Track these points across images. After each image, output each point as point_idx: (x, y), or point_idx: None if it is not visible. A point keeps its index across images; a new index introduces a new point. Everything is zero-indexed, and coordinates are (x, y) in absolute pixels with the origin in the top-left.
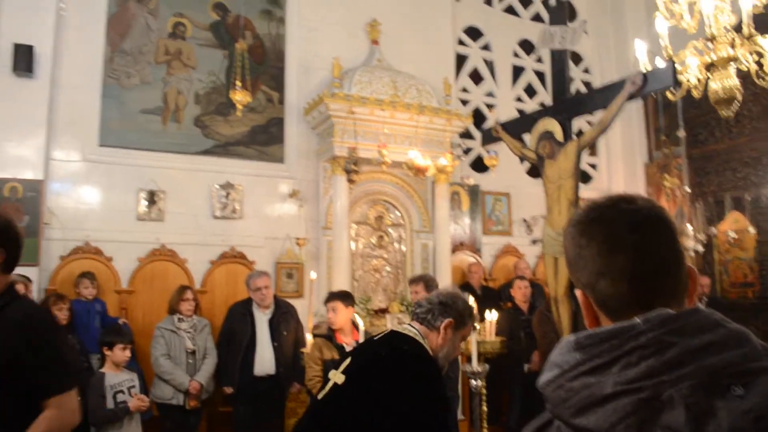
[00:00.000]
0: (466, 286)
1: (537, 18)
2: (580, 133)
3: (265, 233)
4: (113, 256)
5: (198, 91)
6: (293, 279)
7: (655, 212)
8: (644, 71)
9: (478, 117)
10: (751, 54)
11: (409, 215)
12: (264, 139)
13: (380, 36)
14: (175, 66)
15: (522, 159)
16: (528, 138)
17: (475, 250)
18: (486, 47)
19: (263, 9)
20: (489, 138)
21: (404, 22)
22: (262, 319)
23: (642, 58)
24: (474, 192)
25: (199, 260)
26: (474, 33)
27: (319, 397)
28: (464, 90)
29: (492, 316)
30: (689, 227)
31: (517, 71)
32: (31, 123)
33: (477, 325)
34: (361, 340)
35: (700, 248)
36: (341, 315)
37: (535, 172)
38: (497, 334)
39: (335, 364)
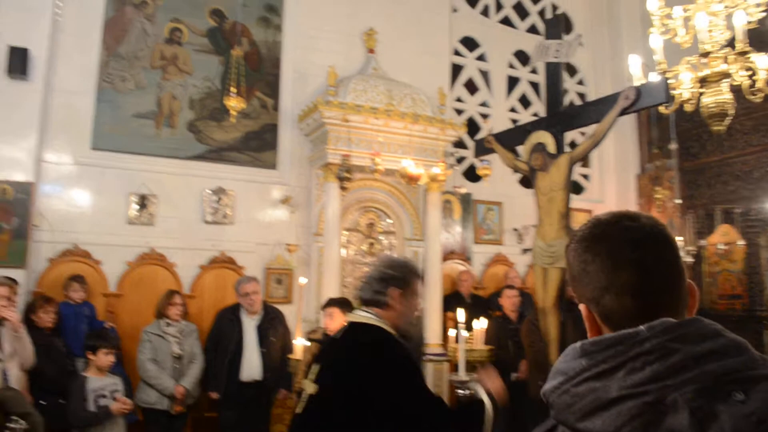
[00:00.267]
0: (455, 295)
1: (533, 30)
2: (572, 146)
3: (255, 239)
4: (102, 259)
5: (192, 96)
6: (283, 285)
7: (657, 230)
8: (638, 86)
9: (472, 127)
10: (743, 70)
11: (400, 223)
12: (257, 145)
13: (377, 45)
14: (170, 71)
15: (514, 170)
16: (521, 149)
17: (466, 258)
18: (481, 57)
19: (260, 16)
20: (482, 149)
21: (401, 32)
22: (250, 325)
23: (636, 72)
24: (466, 201)
25: (189, 265)
26: (470, 43)
27: (298, 410)
28: (459, 100)
29: (481, 324)
30: (680, 239)
31: (512, 82)
32: (23, 125)
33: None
34: None
35: (690, 260)
36: (337, 321)
37: (527, 182)
38: (486, 342)
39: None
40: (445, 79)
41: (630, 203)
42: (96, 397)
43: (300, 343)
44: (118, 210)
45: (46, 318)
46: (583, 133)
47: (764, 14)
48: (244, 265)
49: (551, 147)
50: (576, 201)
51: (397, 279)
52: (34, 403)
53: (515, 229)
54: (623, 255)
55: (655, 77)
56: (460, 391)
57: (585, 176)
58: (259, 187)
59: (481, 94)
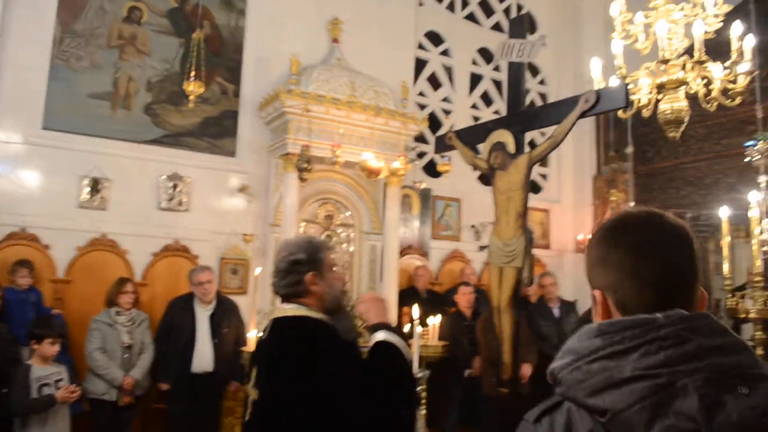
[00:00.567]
0: (411, 290)
1: (497, 27)
2: (532, 145)
3: (211, 227)
4: (51, 243)
5: (150, 78)
6: (238, 275)
7: (684, 230)
8: (598, 89)
9: (434, 122)
10: (700, 78)
11: (359, 216)
12: (216, 132)
13: (341, 35)
14: (128, 51)
15: (474, 168)
16: (481, 147)
17: (423, 253)
18: (446, 53)
19: None
20: (442, 145)
21: (366, 23)
22: (203, 315)
23: (597, 76)
24: (425, 196)
25: (141, 252)
26: (435, 38)
27: (247, 417)
28: (421, 94)
29: (435, 320)
30: None
31: (475, 79)
32: None
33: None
34: None
35: None
36: None
37: (486, 179)
38: (440, 338)
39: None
40: (409, 73)
41: (586, 204)
42: (39, 386)
43: (254, 336)
44: (68, 193)
45: None
46: (543, 133)
47: (721, 25)
48: (199, 254)
49: (511, 146)
50: (533, 200)
51: (306, 262)
52: None
53: (473, 226)
54: (650, 248)
55: (615, 81)
56: None
57: (543, 176)
58: (217, 174)
59: (444, 89)
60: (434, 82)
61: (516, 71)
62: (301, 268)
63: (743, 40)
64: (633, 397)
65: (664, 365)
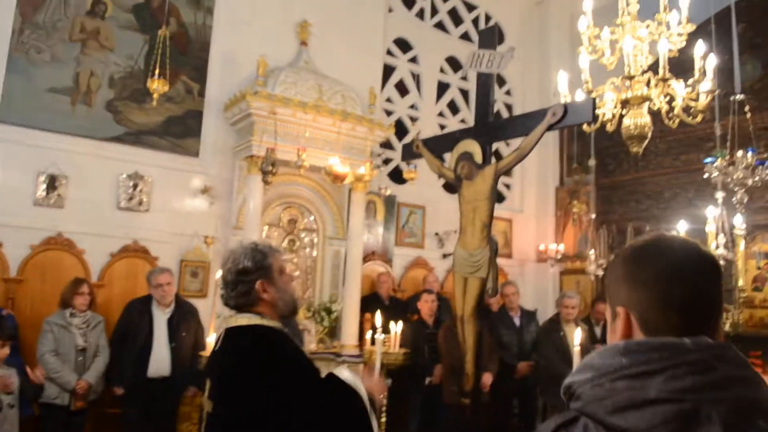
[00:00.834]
0: (374, 296)
1: (465, 37)
2: (498, 157)
3: (171, 228)
4: (3, 241)
5: (113, 74)
6: (198, 278)
7: (716, 259)
8: (565, 103)
9: (400, 128)
10: (663, 95)
11: (323, 221)
12: (179, 131)
13: (310, 38)
14: (90, 46)
15: (440, 177)
16: (448, 156)
17: (387, 260)
18: (414, 60)
19: None
20: (409, 153)
21: (335, 27)
22: (160, 318)
23: (563, 89)
24: (390, 202)
25: (99, 252)
26: (403, 45)
27: (203, 430)
28: (389, 100)
29: (397, 327)
30: (592, 252)
31: (442, 87)
32: None
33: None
34: None
35: (600, 273)
36: None
37: (451, 187)
38: (401, 345)
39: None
40: (377, 79)
41: (548, 214)
42: None
43: (213, 340)
44: (24, 189)
45: None
46: (507, 144)
47: (685, 44)
48: (158, 256)
49: (478, 157)
50: (497, 209)
51: (254, 270)
52: None
53: (437, 234)
54: (683, 271)
55: (580, 95)
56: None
57: (507, 185)
58: (179, 174)
59: (412, 96)
60: (402, 89)
61: (485, 82)
62: (250, 277)
63: (706, 59)
64: (656, 418)
65: (691, 391)
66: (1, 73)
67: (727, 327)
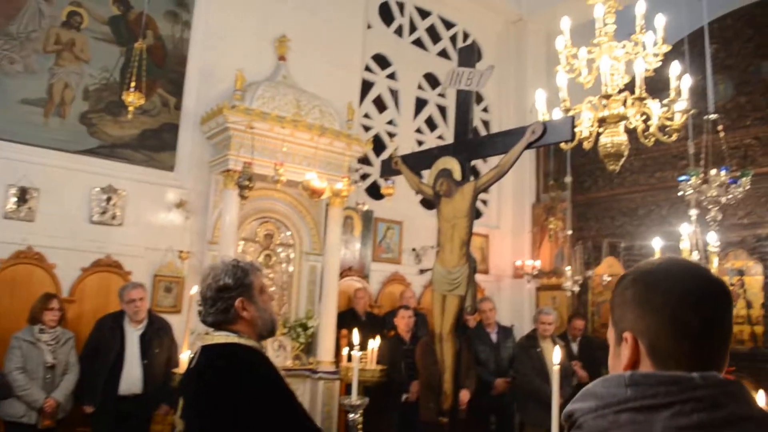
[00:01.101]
0: (350, 312)
1: (443, 54)
2: (477, 174)
3: (145, 243)
4: None
5: (88, 86)
6: (172, 293)
7: (726, 287)
8: (544, 121)
9: (378, 144)
10: (639, 114)
11: (299, 236)
12: (155, 145)
13: (288, 53)
14: (65, 57)
15: (418, 193)
16: (426, 173)
17: (364, 275)
18: (392, 76)
19: (169, 10)
20: (388, 169)
21: (314, 42)
22: (133, 334)
23: (541, 108)
24: (367, 218)
25: (70, 267)
26: (382, 61)
27: None
28: (366, 116)
29: (374, 344)
30: (568, 269)
31: (420, 103)
32: None
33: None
34: None
35: (576, 289)
36: None
37: (428, 203)
38: (378, 362)
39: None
40: (355, 94)
41: (524, 231)
42: None
43: (187, 357)
44: None
45: None
46: (485, 161)
47: (660, 64)
48: (132, 270)
49: (457, 174)
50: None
51: (234, 288)
52: None
53: (414, 250)
54: (696, 299)
55: (558, 113)
56: (351, 415)
57: (484, 202)
58: (154, 188)
59: (390, 112)
60: (380, 105)
61: (464, 100)
62: (229, 294)
63: (681, 79)
64: None
65: (697, 428)
66: None
67: None
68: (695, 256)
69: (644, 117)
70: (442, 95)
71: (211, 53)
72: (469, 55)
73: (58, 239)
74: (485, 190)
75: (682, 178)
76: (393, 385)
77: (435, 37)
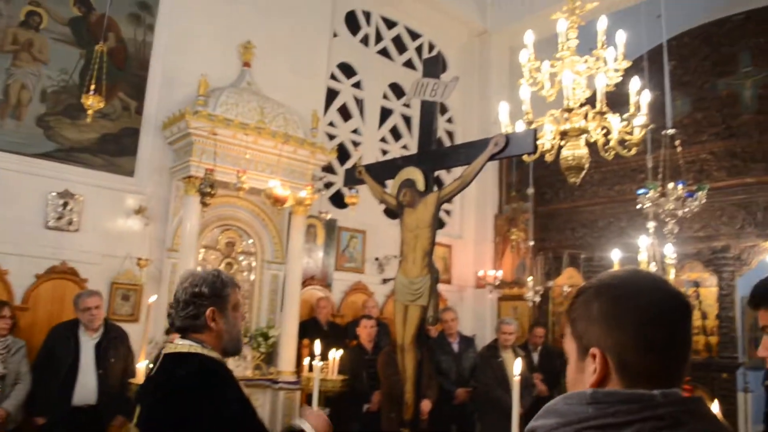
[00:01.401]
0: (313, 321)
1: (409, 64)
2: (440, 185)
3: (102, 250)
4: None
5: (46, 88)
6: (129, 301)
7: (686, 298)
8: (507, 134)
9: (343, 152)
10: (600, 128)
11: (261, 244)
12: (114, 149)
13: (253, 59)
14: (22, 58)
15: (381, 203)
16: (390, 183)
17: (326, 285)
18: (357, 85)
19: (132, 12)
20: (352, 178)
21: (279, 49)
22: (87, 344)
23: (504, 120)
24: (330, 227)
25: (23, 273)
26: (347, 70)
27: None
28: (331, 124)
29: (336, 353)
30: (529, 279)
31: (385, 113)
32: None
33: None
34: None
35: (537, 299)
36: None
37: (391, 212)
38: (340, 372)
39: None
40: (320, 103)
41: (487, 241)
42: None
43: (143, 367)
44: None
45: None
46: (448, 171)
47: (621, 79)
48: (88, 277)
49: (420, 184)
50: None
51: (209, 296)
52: None
53: (377, 259)
54: (662, 313)
55: (521, 125)
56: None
57: (447, 212)
58: (112, 194)
59: (354, 121)
60: (345, 114)
61: (429, 110)
62: (203, 301)
63: (640, 94)
64: None
65: None
66: None
67: None
68: (653, 268)
69: (605, 131)
70: (407, 105)
71: (175, 57)
72: (434, 66)
73: (12, 245)
74: (449, 200)
75: (641, 191)
76: (354, 394)
77: (401, 47)
